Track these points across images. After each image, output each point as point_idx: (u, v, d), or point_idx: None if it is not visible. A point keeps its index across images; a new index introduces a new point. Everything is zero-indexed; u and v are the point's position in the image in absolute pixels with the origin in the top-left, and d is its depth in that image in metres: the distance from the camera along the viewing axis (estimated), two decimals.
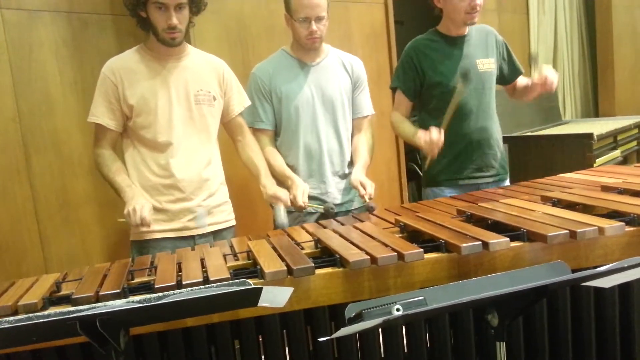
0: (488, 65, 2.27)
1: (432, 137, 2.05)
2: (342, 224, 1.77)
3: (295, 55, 2.24)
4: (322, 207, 2.11)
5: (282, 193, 2.03)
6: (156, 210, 1.95)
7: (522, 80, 2.42)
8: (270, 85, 2.20)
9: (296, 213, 2.23)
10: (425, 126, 2.31)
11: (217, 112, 2.08)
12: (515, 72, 2.41)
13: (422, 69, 2.24)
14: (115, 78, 1.93)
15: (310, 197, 2.11)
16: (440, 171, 2.28)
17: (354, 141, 2.31)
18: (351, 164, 2.30)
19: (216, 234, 2.06)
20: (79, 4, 2.55)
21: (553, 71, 2.19)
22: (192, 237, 2.01)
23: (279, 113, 2.22)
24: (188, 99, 1.99)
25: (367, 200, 2.06)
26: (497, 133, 2.33)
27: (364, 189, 2.07)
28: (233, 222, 2.15)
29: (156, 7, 1.88)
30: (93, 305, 1.09)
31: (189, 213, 2.00)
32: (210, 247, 1.67)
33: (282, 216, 1.99)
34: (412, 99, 2.30)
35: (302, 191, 2.03)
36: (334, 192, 2.27)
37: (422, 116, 2.35)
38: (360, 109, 2.32)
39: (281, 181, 2.16)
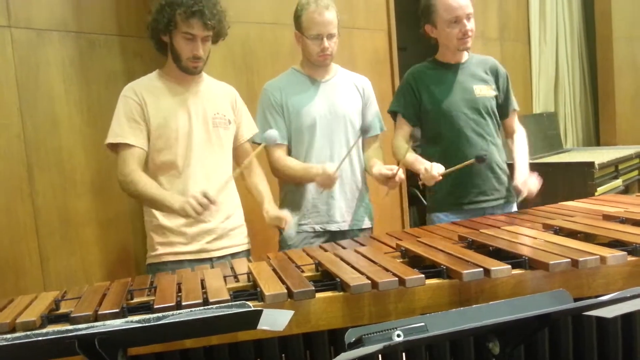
0: (487, 91, 2.27)
1: (432, 173, 2.06)
2: (343, 248, 1.77)
3: (305, 72, 2.26)
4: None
5: (284, 213, 2.03)
6: (174, 232, 1.95)
7: (516, 148, 2.39)
8: (282, 100, 2.20)
9: (303, 234, 2.20)
10: (425, 151, 2.33)
11: (232, 135, 2.11)
12: (507, 109, 2.36)
13: (420, 94, 2.27)
14: (139, 99, 1.94)
15: (315, 214, 2.14)
16: (444, 197, 2.27)
17: (366, 154, 2.30)
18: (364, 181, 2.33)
19: (233, 257, 2.03)
20: (87, 24, 2.58)
21: (534, 183, 2.21)
22: (210, 259, 1.99)
23: (289, 128, 2.22)
24: (206, 122, 2.01)
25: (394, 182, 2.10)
26: (499, 156, 2.33)
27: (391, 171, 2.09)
28: (248, 246, 2.14)
29: (184, 37, 1.90)
30: (92, 324, 1.08)
31: (206, 235, 1.99)
32: (211, 268, 1.67)
33: (291, 228, 2.01)
34: (412, 123, 2.32)
35: (328, 166, 2.04)
36: (342, 209, 2.24)
37: (422, 142, 2.38)
38: (374, 129, 2.31)
39: (306, 176, 2.14)
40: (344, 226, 2.24)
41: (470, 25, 2.18)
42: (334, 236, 2.20)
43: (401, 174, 2.10)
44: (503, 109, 2.35)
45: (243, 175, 2.19)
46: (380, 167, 2.15)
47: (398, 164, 2.13)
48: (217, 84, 2.14)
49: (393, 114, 2.36)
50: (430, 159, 2.29)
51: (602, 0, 5.33)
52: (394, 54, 3.48)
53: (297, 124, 2.20)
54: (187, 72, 1.97)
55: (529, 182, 2.18)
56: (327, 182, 2.04)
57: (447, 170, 2.09)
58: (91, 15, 2.59)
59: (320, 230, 2.22)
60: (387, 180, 2.09)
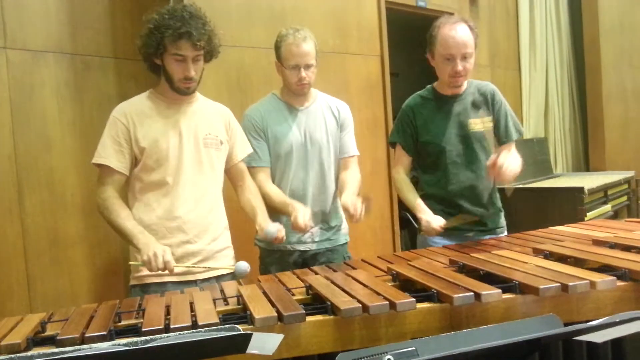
0: (481, 124, 2.27)
1: (433, 226, 2.10)
2: (334, 271, 1.76)
3: (284, 99, 2.31)
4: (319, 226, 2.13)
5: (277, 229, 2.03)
6: None
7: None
8: (263, 125, 2.27)
9: (277, 251, 2.27)
10: (420, 181, 2.35)
11: (224, 156, 2.10)
12: (504, 138, 2.30)
13: (416, 126, 2.28)
14: (127, 120, 1.94)
15: (289, 233, 2.15)
16: None
17: (341, 177, 2.35)
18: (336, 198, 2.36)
19: (218, 280, 2.01)
20: (82, 46, 2.61)
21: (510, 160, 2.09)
22: (195, 281, 1.97)
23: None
24: (197, 142, 2.01)
25: (356, 220, 2.08)
26: (486, 189, 2.29)
27: (355, 209, 2.07)
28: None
29: (174, 59, 1.91)
30: (78, 347, 1.06)
31: (191, 257, 1.97)
32: (201, 290, 1.65)
33: (271, 226, 1.98)
34: (411, 154, 2.33)
35: (303, 213, 2.05)
36: (315, 231, 2.31)
37: (419, 172, 2.38)
38: (346, 149, 2.38)
39: (281, 209, 2.17)
40: (313, 247, 2.31)
41: (462, 65, 2.14)
42: (304, 255, 2.29)
43: (362, 214, 2.08)
44: (499, 137, 2.33)
45: (238, 194, 2.20)
46: (346, 200, 2.15)
47: (363, 200, 2.09)
48: (211, 105, 2.15)
49: (392, 144, 2.39)
50: (423, 186, 2.33)
51: (590, 29, 5.45)
52: (387, 80, 3.52)
53: (274, 150, 2.27)
54: (179, 92, 1.98)
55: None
56: (298, 228, 2.05)
57: (448, 223, 2.12)
58: (86, 37, 2.62)
59: (291, 249, 2.28)
60: (350, 215, 2.11)
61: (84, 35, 2.61)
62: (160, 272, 1.80)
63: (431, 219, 2.13)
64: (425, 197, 2.28)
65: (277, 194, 2.22)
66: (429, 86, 2.36)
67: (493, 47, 4.71)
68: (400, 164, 2.35)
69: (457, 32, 2.13)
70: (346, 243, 2.43)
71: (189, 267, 1.95)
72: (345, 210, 2.13)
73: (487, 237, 2.28)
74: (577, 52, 5.65)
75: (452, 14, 4.18)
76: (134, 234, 1.87)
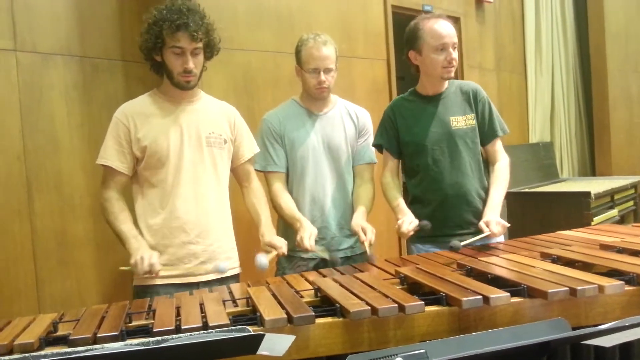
0: (464, 122, 2.23)
1: (402, 230, 2.06)
2: (343, 274, 1.77)
3: (304, 105, 2.31)
4: (328, 254, 2.11)
5: (277, 241, 2.02)
6: (160, 254, 1.94)
7: (491, 183, 2.26)
8: (280, 130, 2.26)
9: (297, 259, 2.24)
10: (407, 184, 2.34)
11: (228, 155, 2.10)
12: (488, 135, 2.27)
13: (398, 128, 2.27)
14: (128, 121, 1.96)
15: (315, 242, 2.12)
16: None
17: (355, 189, 2.34)
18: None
19: (221, 282, 2.00)
20: (91, 49, 2.63)
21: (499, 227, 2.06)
22: (197, 283, 1.98)
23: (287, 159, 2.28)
24: (199, 141, 2.01)
25: (367, 247, 2.07)
26: (476, 190, 2.24)
27: (365, 234, 2.08)
28: (238, 270, 2.12)
29: (173, 52, 1.93)
30: (90, 347, 1.08)
31: (193, 258, 1.98)
32: (210, 292, 1.66)
33: (262, 258, 1.93)
34: (396, 156, 2.32)
35: (309, 234, 2.04)
36: (337, 239, 2.28)
37: (403, 174, 2.37)
38: (362, 157, 2.36)
39: (290, 223, 2.17)
40: (339, 254, 2.25)
41: (455, 54, 2.17)
42: (325, 263, 2.22)
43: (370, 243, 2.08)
44: (483, 135, 2.27)
45: (243, 195, 2.20)
46: (356, 224, 2.14)
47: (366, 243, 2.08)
48: (216, 103, 2.14)
49: (378, 147, 2.36)
50: (410, 190, 2.31)
51: (596, 34, 5.45)
52: (393, 83, 3.54)
53: (292, 156, 2.27)
54: (179, 87, 1.98)
55: (491, 225, 2.04)
56: (303, 248, 2.05)
57: (416, 228, 2.06)
58: (95, 40, 2.64)
59: (312, 256, 2.24)
60: (360, 240, 2.11)
61: (92, 38, 2.63)
62: (147, 275, 1.85)
63: (403, 221, 2.07)
64: (412, 200, 2.28)
65: (289, 207, 2.19)
66: (411, 89, 2.35)
67: (499, 51, 4.72)
68: (387, 167, 2.33)
69: (444, 24, 2.17)
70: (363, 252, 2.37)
71: (176, 272, 1.96)
72: (355, 234, 2.15)
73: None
74: (583, 57, 5.65)
75: (458, 18, 4.22)
76: (128, 237, 1.90)
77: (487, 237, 2.06)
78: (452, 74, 2.22)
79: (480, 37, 4.44)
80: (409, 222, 2.07)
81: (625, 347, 1.45)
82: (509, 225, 2.15)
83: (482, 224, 2.07)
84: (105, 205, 1.96)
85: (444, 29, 2.16)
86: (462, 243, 1.98)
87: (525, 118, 5.09)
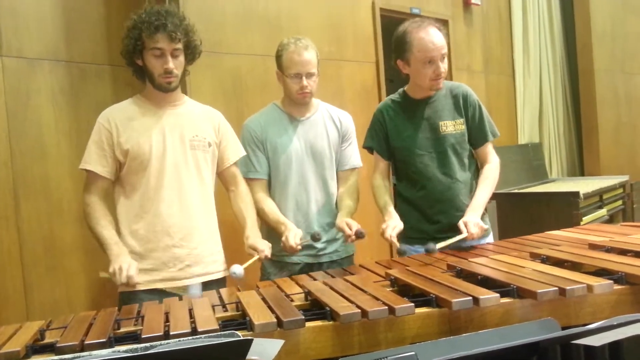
0: (453, 127, 2.22)
1: (385, 235, 2.04)
2: (333, 277, 1.77)
3: (285, 109, 2.29)
4: (309, 235, 2.11)
5: (260, 244, 2.00)
6: (144, 259, 1.93)
7: (478, 185, 2.24)
8: (262, 136, 2.25)
9: (283, 262, 2.23)
10: (398, 188, 2.33)
11: (212, 159, 2.09)
12: (479, 139, 2.25)
13: (388, 131, 2.27)
14: (110, 125, 1.96)
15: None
16: (409, 229, 2.21)
17: (339, 193, 2.33)
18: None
19: (207, 285, 2.00)
20: (78, 53, 2.61)
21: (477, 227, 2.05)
22: (182, 287, 1.96)
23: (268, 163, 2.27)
24: (183, 144, 2.00)
25: (352, 240, 2.08)
26: (465, 194, 2.23)
27: (350, 228, 2.08)
28: (225, 273, 2.10)
29: (153, 54, 1.93)
30: (78, 354, 1.06)
31: (178, 262, 1.97)
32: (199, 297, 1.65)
33: (236, 268, 1.89)
34: (386, 158, 2.31)
35: (294, 234, 2.05)
36: (322, 243, 2.26)
37: (395, 179, 2.37)
38: (346, 161, 2.35)
39: (274, 227, 2.16)
40: (321, 259, 2.28)
41: (444, 66, 2.14)
42: (311, 268, 2.23)
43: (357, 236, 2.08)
44: (474, 139, 2.27)
45: (230, 199, 2.19)
46: (341, 221, 2.14)
47: (356, 234, 2.07)
48: (200, 107, 2.14)
49: (369, 149, 2.36)
50: (400, 192, 2.31)
51: (583, 34, 5.50)
52: (382, 86, 3.54)
53: (274, 161, 2.25)
54: (161, 89, 1.98)
55: (470, 226, 2.03)
56: (288, 249, 2.05)
57: (396, 233, 2.04)
58: (83, 44, 2.62)
59: (297, 261, 2.24)
60: (345, 235, 2.11)
61: (79, 42, 2.61)
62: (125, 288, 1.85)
63: (387, 226, 2.05)
64: (402, 202, 2.27)
65: (272, 212, 2.19)
66: (400, 90, 2.33)
67: (486, 53, 4.75)
68: (377, 170, 2.33)
69: (433, 35, 2.11)
70: (352, 255, 2.38)
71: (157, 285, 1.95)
72: (340, 230, 2.14)
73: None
74: (570, 58, 5.69)
75: (446, 20, 4.24)
76: (109, 244, 1.89)
77: (464, 239, 2.05)
78: (441, 85, 2.20)
79: (468, 40, 4.47)
80: (392, 227, 2.06)
81: (615, 345, 1.46)
82: (487, 227, 2.15)
83: (460, 223, 2.06)
84: (87, 210, 1.95)
85: (433, 41, 2.10)
86: (438, 245, 1.97)
87: (514, 119, 5.11)
